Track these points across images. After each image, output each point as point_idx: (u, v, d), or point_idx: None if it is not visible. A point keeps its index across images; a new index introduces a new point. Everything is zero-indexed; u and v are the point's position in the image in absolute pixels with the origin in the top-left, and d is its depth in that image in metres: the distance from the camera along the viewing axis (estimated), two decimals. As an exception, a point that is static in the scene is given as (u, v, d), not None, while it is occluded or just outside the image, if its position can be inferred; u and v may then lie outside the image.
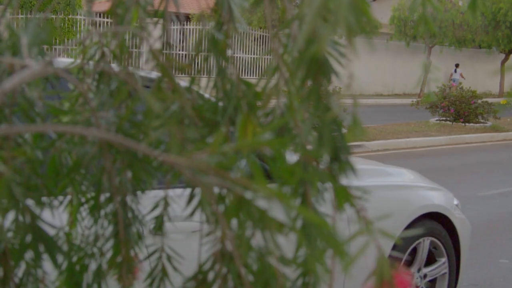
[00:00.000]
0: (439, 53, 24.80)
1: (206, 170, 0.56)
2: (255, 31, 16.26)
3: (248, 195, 0.55)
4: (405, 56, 25.13)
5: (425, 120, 14.44)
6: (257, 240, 0.67)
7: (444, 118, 14.53)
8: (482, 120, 14.39)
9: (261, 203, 0.69)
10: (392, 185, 3.33)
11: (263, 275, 0.66)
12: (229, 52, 0.96)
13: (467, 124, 14.11)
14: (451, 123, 14.24)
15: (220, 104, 0.86)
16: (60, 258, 0.84)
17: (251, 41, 15.94)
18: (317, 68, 0.60)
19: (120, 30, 0.86)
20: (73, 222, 1.04)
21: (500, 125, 14.23)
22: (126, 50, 0.94)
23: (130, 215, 0.95)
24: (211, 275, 0.82)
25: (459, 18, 23.13)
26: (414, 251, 3.41)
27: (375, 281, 0.64)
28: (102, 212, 0.92)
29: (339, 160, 0.62)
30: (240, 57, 16.55)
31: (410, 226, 3.26)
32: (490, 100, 15.48)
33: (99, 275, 0.92)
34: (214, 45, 0.87)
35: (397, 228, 3.16)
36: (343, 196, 0.62)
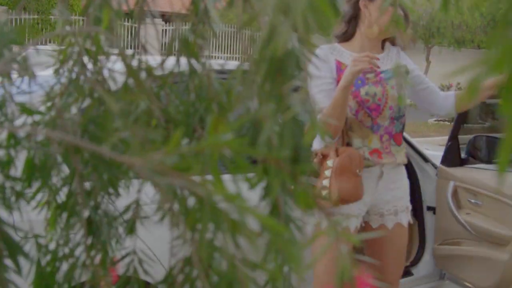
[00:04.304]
0: (438, 53, 24.78)
1: (162, 171, 0.55)
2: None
3: (206, 195, 0.54)
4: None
5: (424, 121, 14.42)
6: (222, 242, 0.66)
7: (442, 119, 14.52)
8: (480, 121, 14.38)
9: (224, 204, 0.68)
10: None
11: (226, 278, 0.65)
12: (205, 53, 0.95)
13: (465, 124, 14.08)
14: (449, 123, 14.23)
15: (192, 105, 0.86)
16: (27, 261, 0.83)
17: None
18: (276, 68, 0.59)
19: (90, 30, 0.85)
20: (50, 224, 1.03)
21: (499, 126, 14.21)
22: (101, 50, 0.93)
23: (103, 217, 0.94)
24: (180, 278, 0.81)
25: (458, 18, 23.10)
26: None
27: (335, 283, 0.63)
28: (74, 214, 0.91)
29: (300, 161, 0.61)
30: (238, 57, 16.53)
31: None
32: (488, 101, 15.45)
33: (71, 278, 0.91)
34: (185, 46, 0.86)
35: None
36: (303, 198, 0.61)
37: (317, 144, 2.53)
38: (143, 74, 0.86)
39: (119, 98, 0.72)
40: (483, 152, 3.67)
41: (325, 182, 2.42)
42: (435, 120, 14.67)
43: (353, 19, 2.65)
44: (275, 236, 0.50)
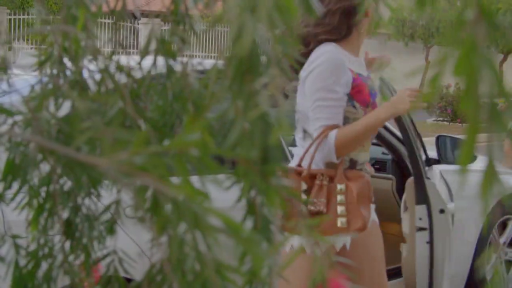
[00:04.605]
0: (437, 53, 24.70)
1: (127, 171, 0.55)
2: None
3: (167, 194, 0.53)
4: (403, 56, 25.11)
5: (422, 120, 14.43)
6: (193, 243, 0.65)
7: (441, 119, 14.52)
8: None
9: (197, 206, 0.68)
10: None
11: (198, 280, 0.65)
12: (184, 52, 0.94)
13: (464, 124, 14.10)
14: (448, 123, 14.22)
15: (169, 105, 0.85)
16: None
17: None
18: (244, 66, 0.59)
19: (66, 29, 0.84)
20: (32, 225, 1.03)
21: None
22: (79, 49, 0.93)
23: (83, 217, 0.94)
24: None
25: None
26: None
27: (309, 284, 0.63)
28: (53, 215, 0.91)
29: (269, 161, 0.61)
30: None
31: None
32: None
33: (49, 279, 0.90)
34: (162, 45, 0.85)
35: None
36: (272, 198, 0.61)
37: (316, 164, 2.18)
38: (119, 74, 0.86)
39: (92, 98, 0.72)
40: (447, 152, 3.65)
41: (341, 209, 2.12)
42: (433, 120, 14.67)
43: (352, 13, 2.25)
44: (237, 236, 0.49)
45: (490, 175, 0.45)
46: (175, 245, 0.63)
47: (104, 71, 0.74)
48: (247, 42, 0.55)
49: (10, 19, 15.84)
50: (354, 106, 2.20)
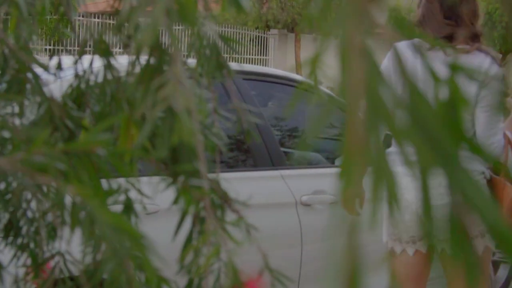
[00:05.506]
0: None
1: (23, 170, 0.54)
2: (251, 31, 16.27)
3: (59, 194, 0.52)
4: (403, 56, 24.97)
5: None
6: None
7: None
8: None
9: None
10: None
11: (116, 281, 0.64)
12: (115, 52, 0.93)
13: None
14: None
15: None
16: None
17: (247, 41, 15.93)
18: (150, 59, 0.58)
19: None
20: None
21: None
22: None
23: (26, 220, 0.93)
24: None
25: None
26: None
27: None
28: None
29: (180, 161, 0.60)
30: (236, 57, 16.55)
31: None
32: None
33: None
34: (97, 45, 0.84)
35: None
36: (185, 198, 0.60)
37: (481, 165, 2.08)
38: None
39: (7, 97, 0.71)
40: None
41: None
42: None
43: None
44: (130, 239, 0.48)
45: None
46: (96, 247, 0.62)
47: (22, 67, 0.73)
48: (148, 34, 0.54)
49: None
50: None
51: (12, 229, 0.92)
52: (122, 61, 0.87)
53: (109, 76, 0.86)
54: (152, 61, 0.58)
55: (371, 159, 0.24)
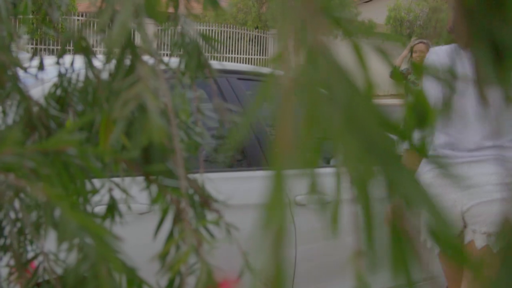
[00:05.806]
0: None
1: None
2: (250, 31, 16.25)
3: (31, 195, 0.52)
4: (402, 56, 25.04)
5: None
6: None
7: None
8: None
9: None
10: None
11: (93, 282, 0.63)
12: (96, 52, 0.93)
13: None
14: (445, 123, 14.21)
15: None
16: None
17: (246, 41, 15.93)
18: (122, 58, 0.57)
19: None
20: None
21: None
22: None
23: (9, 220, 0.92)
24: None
25: (455, 17, 22.93)
26: None
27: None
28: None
29: (153, 160, 0.59)
30: (235, 57, 16.52)
31: None
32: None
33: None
34: (77, 44, 0.84)
35: None
36: (160, 199, 0.60)
37: None
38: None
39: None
40: None
41: None
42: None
43: None
44: (95, 238, 0.48)
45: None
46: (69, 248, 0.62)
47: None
48: (121, 30, 0.54)
49: None
50: None
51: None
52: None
53: (91, 75, 0.85)
54: (124, 59, 0.58)
55: (303, 162, 0.23)
